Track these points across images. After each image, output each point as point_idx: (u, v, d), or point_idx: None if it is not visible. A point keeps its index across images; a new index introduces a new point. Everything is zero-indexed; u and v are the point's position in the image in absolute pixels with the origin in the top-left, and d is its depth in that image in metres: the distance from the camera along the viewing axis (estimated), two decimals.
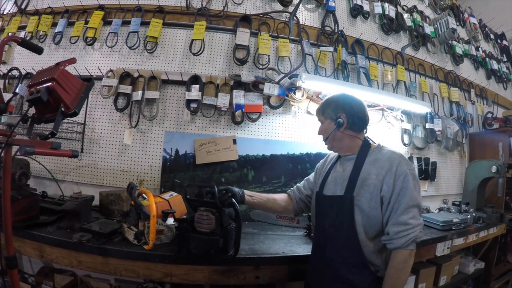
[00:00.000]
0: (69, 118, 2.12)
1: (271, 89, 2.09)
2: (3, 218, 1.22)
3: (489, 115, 3.29)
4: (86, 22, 2.41)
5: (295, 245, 1.72)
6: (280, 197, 1.61)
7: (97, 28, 2.38)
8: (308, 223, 1.89)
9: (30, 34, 2.55)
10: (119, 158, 2.18)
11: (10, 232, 1.23)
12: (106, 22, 2.41)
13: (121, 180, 2.16)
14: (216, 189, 1.37)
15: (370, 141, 1.39)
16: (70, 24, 2.49)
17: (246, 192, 1.51)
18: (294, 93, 2.18)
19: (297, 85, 2.10)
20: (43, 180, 2.28)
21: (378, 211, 1.22)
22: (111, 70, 2.24)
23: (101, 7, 2.45)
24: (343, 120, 1.33)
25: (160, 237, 1.56)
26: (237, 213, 1.38)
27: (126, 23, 2.34)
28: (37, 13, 2.63)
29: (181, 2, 2.32)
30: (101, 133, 2.23)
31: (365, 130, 1.40)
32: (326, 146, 1.44)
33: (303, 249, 1.66)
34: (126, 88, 2.18)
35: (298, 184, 1.65)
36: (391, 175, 1.21)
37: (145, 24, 2.30)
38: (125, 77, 2.23)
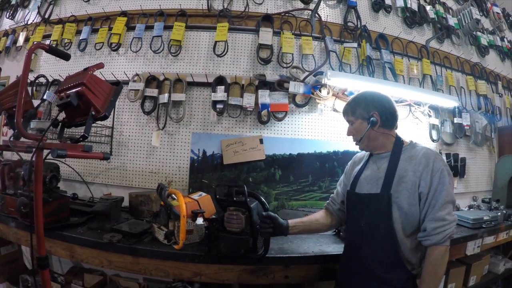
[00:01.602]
0: (97, 122, 2.21)
1: (296, 88, 2.08)
2: (35, 220, 1.26)
3: None
4: (110, 29, 2.46)
5: (324, 244, 1.71)
6: (321, 214, 1.55)
7: (121, 33, 2.42)
8: None
9: (55, 42, 2.62)
10: (147, 160, 2.20)
11: (42, 234, 1.27)
12: (130, 27, 2.46)
13: (150, 181, 2.18)
14: (245, 189, 1.36)
15: (402, 138, 1.37)
16: (94, 31, 2.54)
17: (290, 222, 1.41)
18: (320, 91, 2.15)
19: (323, 82, 2.07)
20: (73, 182, 2.34)
21: (417, 207, 1.21)
22: (137, 74, 2.28)
23: (123, 13, 2.49)
24: (377, 118, 1.30)
25: (190, 236, 1.59)
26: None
27: (149, 28, 2.37)
28: (60, 21, 2.70)
29: (202, 4, 2.34)
30: (129, 136, 2.27)
31: (396, 126, 1.37)
32: (359, 146, 1.40)
33: (333, 248, 1.65)
34: (152, 92, 2.21)
35: (332, 195, 1.60)
36: (428, 171, 1.20)
37: (168, 28, 2.32)
38: (151, 80, 2.26)
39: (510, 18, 3.60)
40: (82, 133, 1.24)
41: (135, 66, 2.35)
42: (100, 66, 1.52)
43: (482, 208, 2.60)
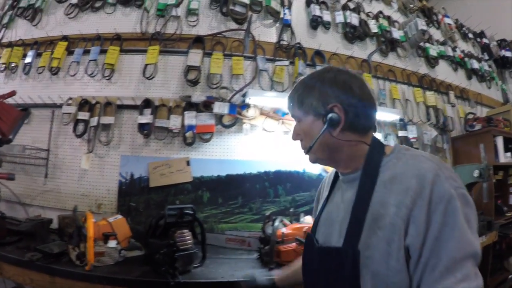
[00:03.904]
0: (33, 145, 2.27)
1: (221, 108, 2.09)
2: None
3: (470, 116, 3.15)
4: (52, 53, 2.51)
5: (240, 269, 1.67)
6: None
7: (61, 58, 2.46)
8: (259, 246, 1.83)
9: (3, 65, 2.67)
10: (79, 182, 2.23)
11: None
12: (70, 52, 2.50)
13: (82, 204, 2.19)
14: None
15: (383, 143, 0.86)
16: (39, 55, 2.59)
17: (276, 278, 1.23)
18: (247, 111, 2.17)
19: (246, 102, 2.09)
20: (14, 204, 2.36)
21: (403, 274, 0.69)
22: (70, 98, 2.31)
23: (65, 38, 2.54)
24: (339, 114, 0.80)
25: (102, 259, 1.62)
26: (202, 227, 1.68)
27: (87, 52, 2.42)
28: (10, 45, 2.76)
29: (135, 28, 2.38)
30: (63, 158, 2.29)
31: (373, 128, 0.87)
32: (309, 158, 0.90)
33: (246, 274, 1.57)
34: (84, 115, 2.24)
35: None
36: (422, 204, 0.67)
37: (104, 52, 2.36)
38: (84, 104, 2.29)
39: (464, 28, 3.62)
40: None
41: (72, 90, 2.38)
42: (11, 94, 1.61)
43: None
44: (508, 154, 3.32)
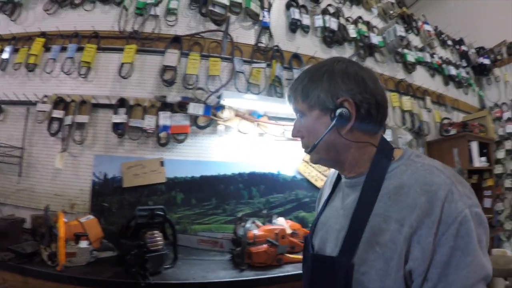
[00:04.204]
0: (5, 143, 2.25)
1: (196, 109, 2.11)
2: None
3: (446, 121, 3.24)
4: (30, 49, 2.48)
5: (211, 270, 1.68)
6: None
7: (38, 54, 2.44)
8: (232, 247, 1.85)
9: None
10: (53, 182, 2.21)
11: None
12: (47, 48, 2.48)
13: (55, 203, 2.17)
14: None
15: (392, 146, 0.77)
16: (16, 50, 2.56)
17: None
18: (222, 112, 2.19)
19: (221, 103, 2.11)
20: None
21: None
22: (45, 96, 2.30)
23: (43, 34, 2.52)
24: (350, 110, 0.71)
25: (74, 259, 1.63)
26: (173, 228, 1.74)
27: (64, 49, 2.40)
28: None
29: (113, 26, 2.38)
30: (37, 157, 2.27)
31: (383, 129, 0.79)
32: (311, 158, 0.83)
33: (217, 275, 1.62)
34: (59, 113, 2.23)
35: None
36: (430, 225, 0.59)
37: (81, 49, 2.35)
38: (59, 102, 2.27)
39: (443, 35, 3.70)
40: None
41: (47, 87, 2.36)
42: None
43: None
44: (483, 158, 3.43)
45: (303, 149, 0.81)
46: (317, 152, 0.77)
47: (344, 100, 0.71)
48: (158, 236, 1.61)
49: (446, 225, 0.58)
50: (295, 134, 0.83)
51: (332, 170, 0.93)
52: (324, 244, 0.79)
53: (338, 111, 0.71)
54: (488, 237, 0.63)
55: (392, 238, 0.62)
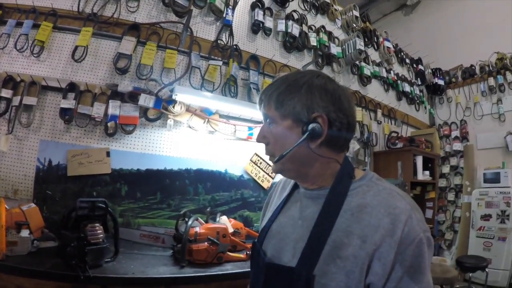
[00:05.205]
0: None
1: (146, 101, 2.11)
2: None
3: (394, 135, 3.45)
4: None
5: (152, 266, 1.68)
6: None
7: None
8: (173, 243, 1.86)
9: None
10: None
11: None
12: (3, 22, 2.34)
13: None
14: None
15: (353, 165, 0.82)
16: None
17: None
18: (173, 107, 2.21)
19: (173, 98, 2.13)
20: None
21: None
22: None
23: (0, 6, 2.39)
24: (322, 126, 0.73)
25: (15, 248, 1.58)
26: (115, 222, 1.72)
27: (20, 24, 2.28)
28: None
29: (72, 6, 2.30)
30: None
31: (347, 147, 0.83)
32: (274, 168, 0.82)
33: (157, 270, 1.62)
34: (7, 93, 2.12)
35: None
36: (392, 244, 0.65)
37: (37, 27, 2.25)
38: (8, 81, 2.18)
39: (402, 53, 3.91)
40: None
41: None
42: None
43: None
44: (427, 172, 3.70)
45: (268, 156, 0.83)
46: (282, 162, 0.77)
47: (318, 116, 0.73)
48: (99, 229, 1.60)
49: (405, 246, 0.65)
50: (260, 139, 0.83)
51: (282, 178, 0.95)
52: (279, 253, 0.79)
53: (311, 125, 0.72)
54: (432, 255, 0.71)
55: (354, 253, 0.66)
